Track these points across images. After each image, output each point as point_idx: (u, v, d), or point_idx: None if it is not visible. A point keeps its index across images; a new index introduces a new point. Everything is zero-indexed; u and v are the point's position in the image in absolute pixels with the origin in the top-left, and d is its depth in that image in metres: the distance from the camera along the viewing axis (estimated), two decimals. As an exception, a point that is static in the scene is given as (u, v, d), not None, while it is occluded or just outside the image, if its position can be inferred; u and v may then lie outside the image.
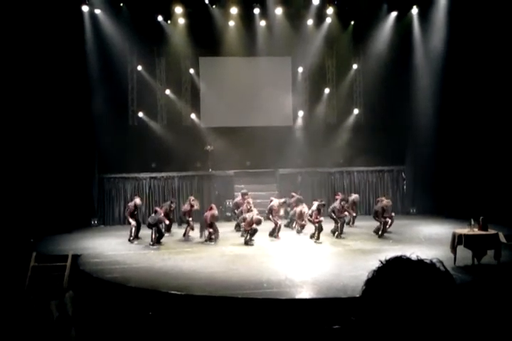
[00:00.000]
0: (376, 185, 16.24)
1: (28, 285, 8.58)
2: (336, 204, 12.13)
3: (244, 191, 13.63)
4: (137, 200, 12.50)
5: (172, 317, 6.80)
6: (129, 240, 11.96)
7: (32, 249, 10.07)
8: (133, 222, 12.05)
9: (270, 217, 12.13)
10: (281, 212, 12.89)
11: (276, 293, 7.16)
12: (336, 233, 11.84)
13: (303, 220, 12.17)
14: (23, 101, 12.88)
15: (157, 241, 11.39)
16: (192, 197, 13.02)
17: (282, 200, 12.85)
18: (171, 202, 13.21)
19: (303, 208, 12.23)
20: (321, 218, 11.51)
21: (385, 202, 12.29)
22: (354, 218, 13.81)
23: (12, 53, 12.55)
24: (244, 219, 11.41)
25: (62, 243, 11.67)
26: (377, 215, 12.02)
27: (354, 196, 14.12)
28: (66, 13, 13.58)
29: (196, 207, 12.63)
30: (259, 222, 11.12)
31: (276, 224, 11.93)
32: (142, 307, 7.06)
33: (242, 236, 11.79)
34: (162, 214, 11.91)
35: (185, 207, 12.55)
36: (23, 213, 12.26)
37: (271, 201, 12.71)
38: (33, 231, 12.15)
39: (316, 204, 11.86)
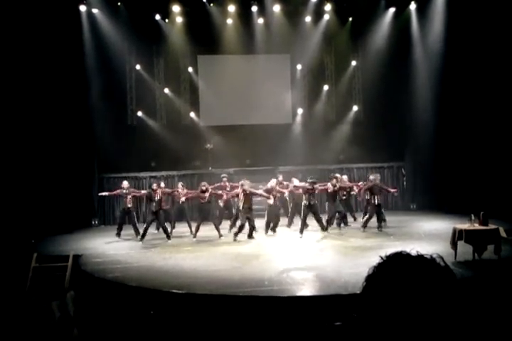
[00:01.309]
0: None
1: (29, 286, 8.58)
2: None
3: (223, 175, 13.68)
4: (124, 182, 12.74)
5: (174, 315, 6.81)
6: (117, 234, 12.25)
7: (33, 250, 10.06)
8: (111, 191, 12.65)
9: (273, 193, 11.96)
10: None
11: (277, 291, 7.16)
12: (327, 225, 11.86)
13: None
14: (22, 102, 12.87)
15: (167, 236, 11.75)
16: (181, 183, 13.25)
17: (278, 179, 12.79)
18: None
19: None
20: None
21: (371, 177, 12.30)
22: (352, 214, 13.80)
23: (9, 54, 12.53)
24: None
25: (63, 243, 11.67)
26: (373, 193, 12.02)
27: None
28: (64, 12, 13.57)
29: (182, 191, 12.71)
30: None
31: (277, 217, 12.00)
32: (144, 307, 7.07)
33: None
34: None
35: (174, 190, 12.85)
36: (23, 214, 12.27)
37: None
38: (33, 231, 12.15)
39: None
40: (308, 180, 11.75)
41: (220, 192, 12.47)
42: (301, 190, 11.86)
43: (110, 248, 11.16)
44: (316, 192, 11.78)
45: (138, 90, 16.74)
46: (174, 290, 7.33)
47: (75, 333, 5.51)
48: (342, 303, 6.45)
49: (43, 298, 7.23)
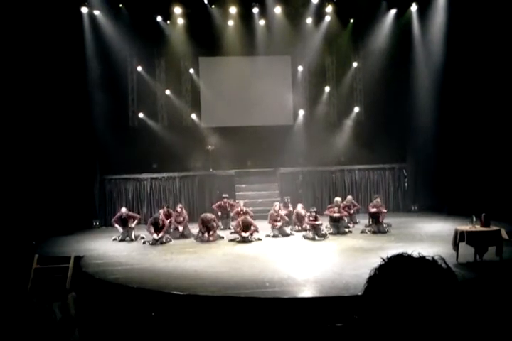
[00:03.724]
0: (377, 183, 16.21)
1: (30, 287, 8.59)
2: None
3: (225, 195, 13.74)
4: (123, 209, 12.68)
5: (175, 317, 6.80)
6: (115, 238, 12.20)
7: (34, 251, 10.07)
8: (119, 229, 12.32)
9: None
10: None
11: (278, 292, 7.16)
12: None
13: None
14: (24, 104, 12.90)
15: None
16: (180, 205, 13.05)
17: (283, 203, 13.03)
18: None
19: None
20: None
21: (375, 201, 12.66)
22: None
23: (11, 56, 12.55)
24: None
25: (64, 245, 11.67)
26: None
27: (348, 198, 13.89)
28: (65, 14, 13.59)
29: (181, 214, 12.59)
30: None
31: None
32: (145, 308, 7.06)
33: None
34: (161, 215, 12.06)
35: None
36: (24, 215, 12.27)
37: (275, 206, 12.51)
38: (35, 233, 12.15)
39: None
40: (311, 210, 11.94)
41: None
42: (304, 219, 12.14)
43: (111, 249, 11.15)
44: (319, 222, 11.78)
45: (139, 92, 16.75)
46: (175, 292, 7.33)
47: (76, 334, 5.51)
48: (343, 305, 6.45)
49: (44, 299, 7.23)
